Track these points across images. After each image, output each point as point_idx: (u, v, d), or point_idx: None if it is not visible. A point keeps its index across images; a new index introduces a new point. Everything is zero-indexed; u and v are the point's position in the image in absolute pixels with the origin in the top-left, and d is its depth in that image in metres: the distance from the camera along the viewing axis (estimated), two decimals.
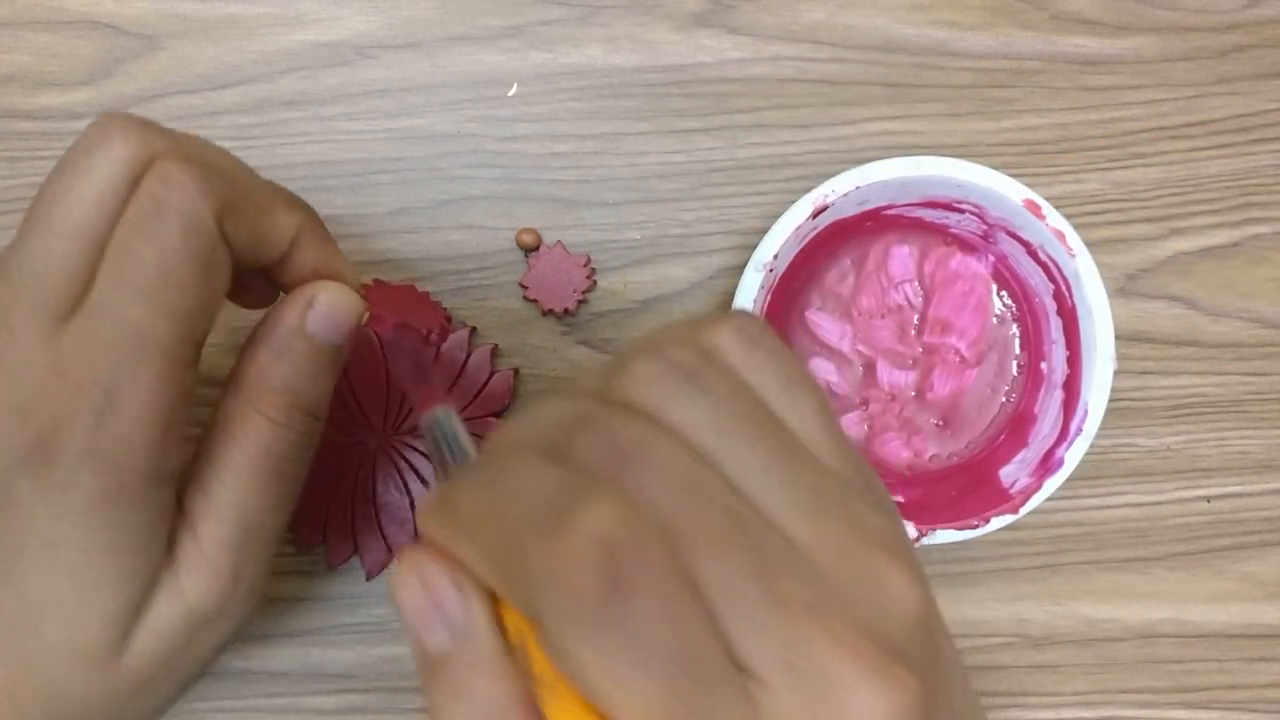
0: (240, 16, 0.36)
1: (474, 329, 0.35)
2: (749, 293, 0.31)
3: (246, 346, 0.25)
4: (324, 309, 0.25)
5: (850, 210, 0.33)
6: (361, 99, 0.36)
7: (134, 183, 0.22)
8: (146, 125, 0.23)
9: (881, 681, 0.15)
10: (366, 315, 0.27)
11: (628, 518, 0.15)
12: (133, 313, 0.22)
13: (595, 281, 0.36)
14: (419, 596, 0.17)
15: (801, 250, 0.33)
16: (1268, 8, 0.36)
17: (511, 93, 0.36)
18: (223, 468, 0.24)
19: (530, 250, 0.35)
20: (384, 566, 0.34)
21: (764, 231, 0.31)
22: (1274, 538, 0.35)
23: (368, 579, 0.34)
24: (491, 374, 0.34)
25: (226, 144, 0.36)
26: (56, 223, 0.22)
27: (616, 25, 0.36)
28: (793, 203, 0.31)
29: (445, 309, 0.33)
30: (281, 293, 0.27)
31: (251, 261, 0.25)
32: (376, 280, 0.29)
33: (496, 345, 0.35)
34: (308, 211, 0.26)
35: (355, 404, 0.34)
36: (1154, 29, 0.36)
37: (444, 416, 0.24)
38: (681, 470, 0.16)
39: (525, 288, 0.35)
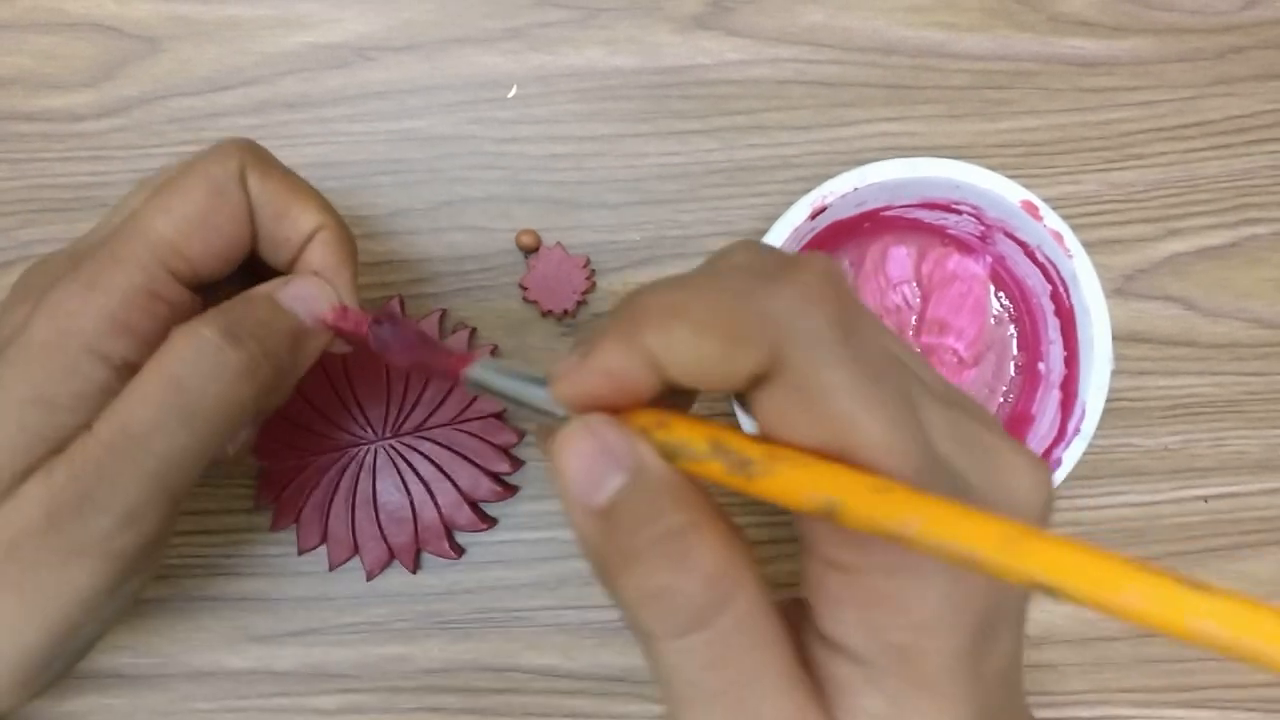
0: (241, 19, 0.36)
1: (474, 330, 0.35)
2: None
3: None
4: (297, 289, 0.26)
5: (848, 211, 0.33)
6: (362, 101, 0.36)
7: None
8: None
9: (1037, 462, 0.19)
10: (333, 312, 0.26)
11: (847, 281, 0.18)
12: (142, 209, 0.25)
13: (595, 283, 0.36)
14: (589, 447, 0.17)
15: (800, 251, 0.33)
16: (1265, 9, 0.36)
17: (511, 94, 0.36)
18: (140, 374, 0.23)
19: (530, 251, 0.35)
20: (384, 567, 0.34)
21: (763, 233, 0.31)
22: (1271, 537, 0.36)
23: (368, 579, 0.34)
24: None
25: None
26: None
27: (616, 27, 0.36)
28: (791, 204, 0.31)
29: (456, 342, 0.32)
30: None
31: (269, 240, 0.27)
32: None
33: (496, 346, 0.35)
34: (336, 220, 0.27)
35: (355, 404, 0.34)
36: (1151, 30, 0.36)
37: (481, 370, 0.22)
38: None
39: (525, 289, 0.35)
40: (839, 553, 0.17)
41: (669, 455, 0.17)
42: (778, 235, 0.31)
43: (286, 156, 0.36)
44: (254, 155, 0.26)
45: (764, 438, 0.17)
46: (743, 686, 0.17)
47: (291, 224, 0.26)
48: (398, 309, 0.32)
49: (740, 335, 0.17)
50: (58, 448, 0.22)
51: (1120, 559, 0.14)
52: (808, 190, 0.31)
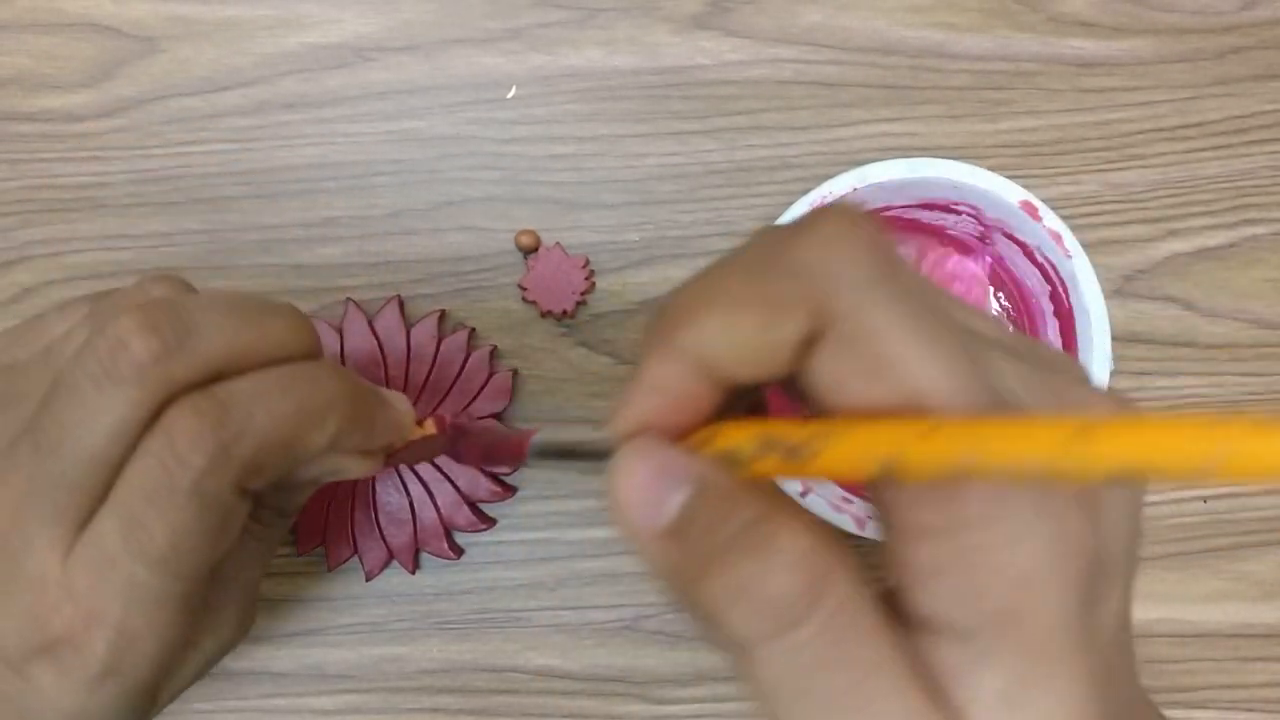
0: (240, 19, 0.36)
1: (473, 330, 0.35)
2: None
3: None
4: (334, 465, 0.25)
5: None
6: (361, 101, 0.36)
7: (152, 414, 0.21)
8: (165, 354, 0.21)
9: (1117, 402, 0.17)
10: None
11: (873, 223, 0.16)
12: (143, 576, 0.22)
13: (594, 283, 0.36)
14: (644, 470, 0.16)
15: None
16: (1264, 10, 0.36)
17: (511, 95, 0.36)
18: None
19: (529, 252, 0.35)
20: (383, 567, 0.34)
21: None
22: (1271, 538, 0.36)
23: (367, 579, 0.34)
24: (490, 375, 0.34)
25: (226, 146, 0.36)
26: (70, 449, 0.21)
27: (615, 28, 0.36)
28: (791, 204, 0.31)
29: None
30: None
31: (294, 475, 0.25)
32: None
33: (495, 346, 0.35)
34: (336, 412, 0.24)
35: None
36: (1151, 31, 0.36)
37: (540, 444, 0.22)
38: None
39: (524, 289, 0.35)
40: (920, 516, 0.15)
41: (727, 466, 0.16)
42: None
43: (285, 157, 0.36)
44: (241, 457, 0.22)
45: (819, 415, 0.16)
46: (859, 685, 0.15)
47: (307, 467, 0.25)
48: (460, 425, 0.32)
49: (776, 300, 0.15)
50: None
51: (1196, 419, 0.13)
52: (807, 191, 0.31)
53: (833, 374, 0.15)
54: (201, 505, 0.21)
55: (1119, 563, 0.17)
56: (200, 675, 0.26)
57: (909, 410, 0.15)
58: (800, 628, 0.15)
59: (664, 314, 0.17)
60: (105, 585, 0.21)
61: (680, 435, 0.17)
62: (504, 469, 0.34)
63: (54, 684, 0.22)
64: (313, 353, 0.24)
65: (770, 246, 0.16)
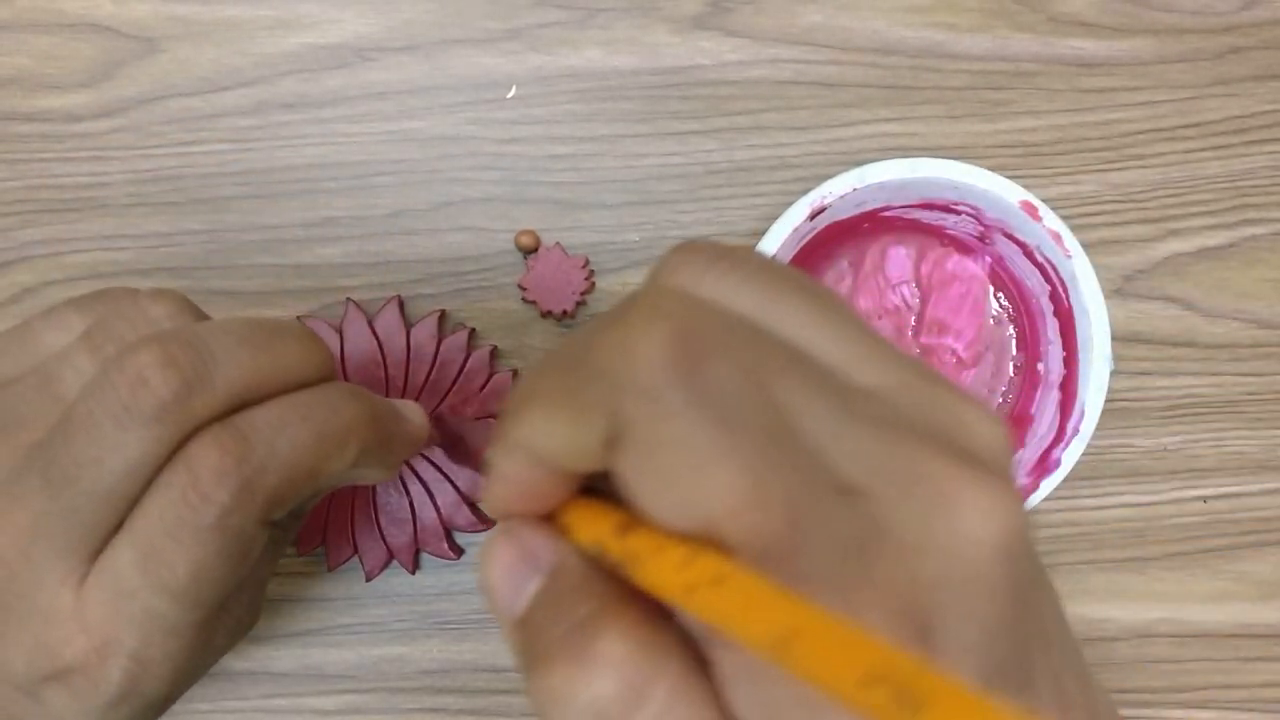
0: (240, 19, 0.36)
1: (473, 330, 0.35)
2: None
3: None
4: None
5: (848, 212, 0.33)
6: (361, 101, 0.36)
7: (172, 449, 0.21)
8: (186, 390, 0.21)
9: (992, 487, 0.14)
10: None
11: (692, 304, 0.15)
12: (162, 608, 0.22)
13: (594, 283, 0.36)
14: (507, 554, 0.16)
15: (799, 252, 0.33)
16: (1264, 9, 0.36)
17: (510, 95, 0.36)
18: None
19: (529, 252, 0.35)
20: (384, 567, 0.34)
21: (762, 233, 0.31)
22: (1271, 538, 0.36)
23: (367, 580, 0.34)
24: (490, 375, 0.34)
25: (225, 146, 0.36)
26: (87, 485, 0.21)
27: (615, 28, 0.36)
28: (791, 204, 0.31)
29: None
30: None
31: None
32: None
33: (495, 346, 0.35)
34: (355, 437, 0.24)
35: None
36: (1151, 31, 0.36)
37: None
38: (731, 321, 0.15)
39: (524, 289, 0.35)
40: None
41: (589, 550, 0.16)
42: (777, 236, 0.31)
43: (285, 157, 0.36)
44: (265, 493, 0.22)
45: (634, 522, 0.15)
46: None
47: (328, 485, 0.25)
48: (448, 421, 0.32)
49: (580, 402, 0.15)
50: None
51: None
52: (807, 191, 0.31)
53: (629, 481, 0.15)
54: (224, 539, 0.21)
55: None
56: (207, 671, 0.26)
57: (718, 528, 0.14)
58: None
59: (507, 407, 0.17)
60: (121, 616, 0.22)
61: (548, 516, 0.17)
62: None
63: (67, 706, 0.22)
64: (328, 375, 0.24)
65: (583, 342, 0.16)
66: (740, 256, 0.17)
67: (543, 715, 0.15)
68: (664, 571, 0.14)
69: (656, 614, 0.15)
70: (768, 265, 0.17)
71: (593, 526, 0.16)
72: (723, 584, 0.13)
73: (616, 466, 0.15)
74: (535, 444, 0.16)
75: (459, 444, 0.29)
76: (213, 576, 0.22)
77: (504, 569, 0.16)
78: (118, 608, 0.21)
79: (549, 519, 0.17)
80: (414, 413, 0.27)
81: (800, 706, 0.14)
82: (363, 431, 0.24)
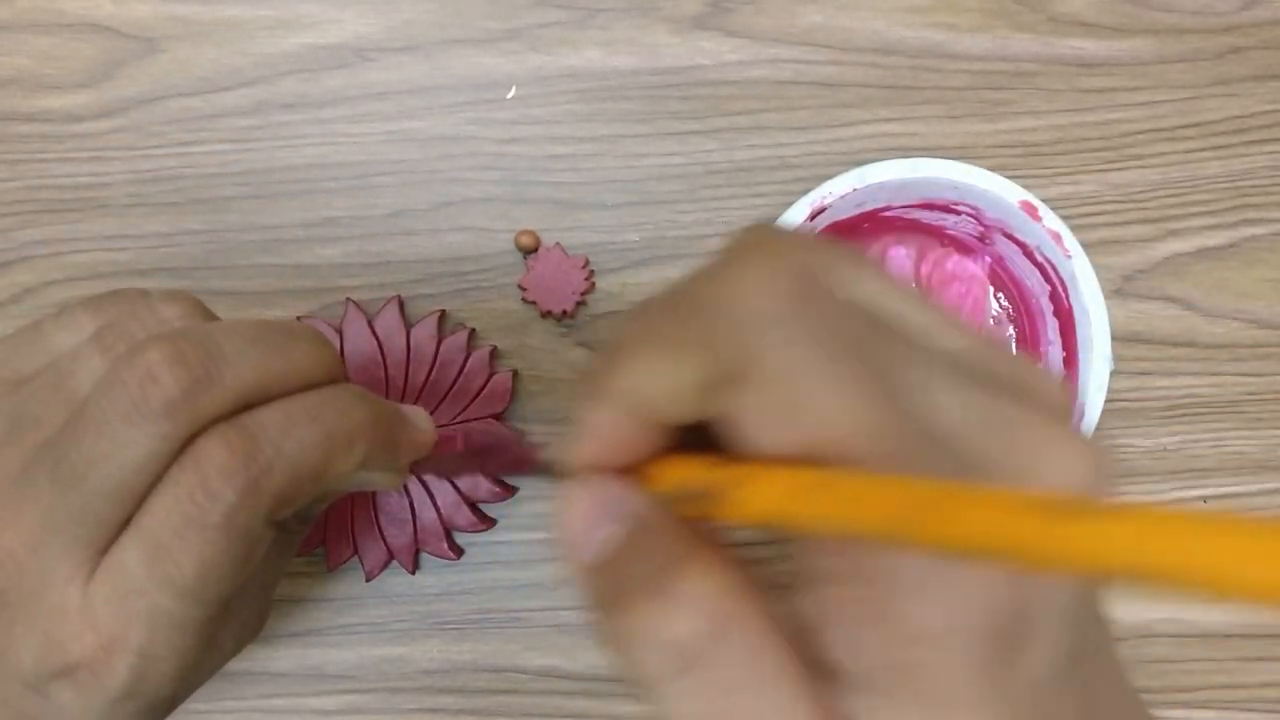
0: (240, 19, 0.36)
1: (473, 330, 0.35)
2: None
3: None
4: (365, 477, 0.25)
5: (848, 212, 0.33)
6: (361, 101, 0.36)
7: (180, 447, 0.21)
8: (195, 388, 0.21)
9: (1078, 439, 0.15)
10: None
11: (798, 245, 0.16)
12: (168, 605, 0.22)
13: (594, 283, 0.36)
14: (582, 504, 0.17)
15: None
16: (1264, 9, 0.36)
17: (510, 95, 0.36)
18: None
19: (529, 252, 0.35)
20: (383, 567, 0.34)
21: None
22: None
23: (367, 580, 0.34)
24: (491, 375, 0.34)
25: (225, 146, 0.36)
26: (96, 482, 0.21)
27: (615, 28, 0.36)
28: (791, 204, 0.31)
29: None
30: None
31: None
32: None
33: (495, 346, 0.35)
34: (361, 440, 0.24)
35: None
36: (1150, 31, 0.36)
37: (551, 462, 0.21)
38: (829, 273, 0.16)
39: (524, 289, 0.35)
40: (824, 562, 0.15)
41: (666, 502, 0.17)
42: None
43: (285, 157, 0.36)
44: (272, 492, 0.22)
45: (738, 459, 0.16)
46: None
47: (334, 488, 0.25)
48: (482, 444, 0.32)
49: (693, 341, 0.15)
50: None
51: (1173, 516, 0.10)
52: (807, 191, 0.31)
53: (748, 417, 0.15)
54: (230, 538, 0.21)
55: (1047, 610, 0.16)
56: (213, 674, 0.26)
57: (827, 455, 0.14)
58: (700, 671, 0.15)
59: (601, 358, 0.17)
60: (128, 613, 0.22)
61: (629, 470, 0.17)
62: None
63: (73, 702, 0.22)
64: (336, 376, 0.25)
65: (692, 286, 0.16)
66: (807, 237, 0.17)
67: (622, 656, 0.16)
68: (770, 484, 0.14)
69: (734, 562, 0.16)
70: (836, 245, 0.17)
71: (674, 473, 0.16)
72: (833, 486, 0.14)
73: (731, 406, 0.15)
74: (641, 391, 0.16)
75: (494, 453, 0.28)
76: (219, 575, 0.22)
77: (582, 516, 0.17)
78: (124, 604, 0.22)
79: (624, 473, 0.17)
80: (421, 419, 0.27)
81: (908, 640, 0.14)
82: (369, 433, 0.24)
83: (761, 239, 0.16)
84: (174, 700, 0.24)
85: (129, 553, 0.21)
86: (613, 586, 0.16)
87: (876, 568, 0.15)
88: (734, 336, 0.15)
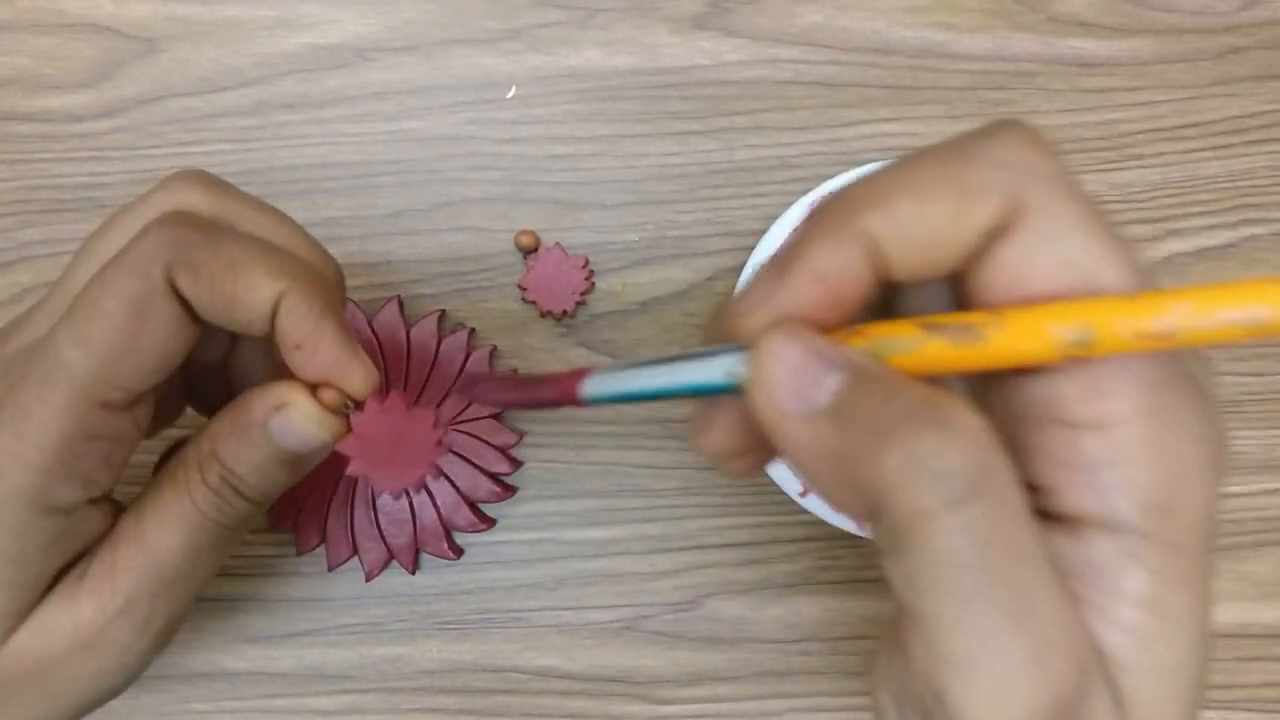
0: (240, 19, 0.36)
1: (473, 330, 0.35)
2: None
3: (221, 410, 0.25)
4: (286, 420, 0.24)
5: None
6: (361, 101, 0.36)
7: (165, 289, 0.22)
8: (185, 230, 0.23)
9: None
10: (344, 437, 0.25)
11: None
12: (59, 340, 0.22)
13: (594, 283, 0.36)
14: (796, 352, 0.16)
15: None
16: (1264, 9, 0.36)
17: (510, 95, 0.36)
18: (158, 504, 0.24)
19: (529, 252, 0.35)
20: (383, 567, 0.34)
21: (762, 233, 0.31)
22: (1271, 538, 0.36)
23: (367, 580, 0.34)
24: (490, 375, 0.34)
25: (225, 146, 0.36)
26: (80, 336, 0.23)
27: (615, 28, 0.36)
28: (791, 204, 0.31)
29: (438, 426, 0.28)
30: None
31: (227, 324, 0.23)
32: (393, 394, 0.26)
33: (495, 346, 0.35)
34: (303, 278, 0.23)
35: (352, 405, 0.34)
36: (1150, 31, 0.36)
37: (603, 380, 0.19)
38: None
39: (524, 289, 0.35)
40: (1075, 413, 0.16)
41: (876, 357, 0.17)
42: (777, 235, 0.31)
43: (285, 157, 0.36)
44: (182, 245, 0.22)
45: (972, 309, 0.17)
46: (1017, 568, 0.15)
47: (248, 307, 0.23)
48: (481, 368, 0.31)
49: (971, 188, 0.16)
50: (33, 595, 0.23)
51: None
52: (807, 191, 0.31)
53: (1019, 263, 0.16)
54: (129, 272, 0.22)
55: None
56: (105, 690, 0.25)
57: (1084, 286, 0.16)
58: (972, 503, 0.15)
59: (841, 199, 0.17)
60: (22, 360, 0.23)
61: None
62: (501, 469, 0.34)
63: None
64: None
65: (962, 144, 0.17)
66: None
67: (885, 493, 0.15)
68: (1040, 315, 0.16)
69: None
70: None
71: (896, 326, 0.17)
72: (1096, 314, 0.15)
73: (1000, 252, 0.16)
74: (898, 233, 0.16)
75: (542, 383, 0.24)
76: (106, 317, 0.22)
77: (794, 366, 0.16)
78: (23, 357, 0.23)
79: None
80: (360, 369, 0.25)
81: (1166, 478, 0.16)
82: (297, 276, 0.23)
83: (1022, 123, 0.17)
84: (25, 520, 0.23)
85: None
86: (866, 428, 0.16)
87: (1132, 412, 0.16)
88: (1019, 188, 0.16)
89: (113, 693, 0.25)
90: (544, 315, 0.36)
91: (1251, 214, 0.36)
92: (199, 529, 0.24)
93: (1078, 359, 0.16)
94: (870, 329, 0.17)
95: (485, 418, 0.34)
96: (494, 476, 0.34)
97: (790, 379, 0.16)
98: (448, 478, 0.34)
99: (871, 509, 0.16)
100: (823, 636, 0.36)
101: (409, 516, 0.34)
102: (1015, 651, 0.15)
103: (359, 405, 0.25)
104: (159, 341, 0.22)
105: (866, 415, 0.16)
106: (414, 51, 0.36)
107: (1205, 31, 0.36)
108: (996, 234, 0.16)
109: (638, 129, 0.36)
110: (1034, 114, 0.36)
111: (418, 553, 0.35)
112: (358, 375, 0.24)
